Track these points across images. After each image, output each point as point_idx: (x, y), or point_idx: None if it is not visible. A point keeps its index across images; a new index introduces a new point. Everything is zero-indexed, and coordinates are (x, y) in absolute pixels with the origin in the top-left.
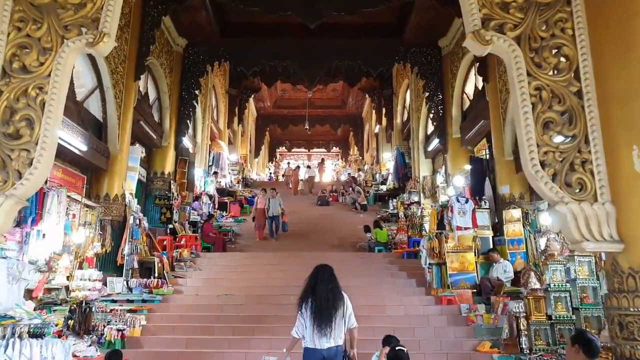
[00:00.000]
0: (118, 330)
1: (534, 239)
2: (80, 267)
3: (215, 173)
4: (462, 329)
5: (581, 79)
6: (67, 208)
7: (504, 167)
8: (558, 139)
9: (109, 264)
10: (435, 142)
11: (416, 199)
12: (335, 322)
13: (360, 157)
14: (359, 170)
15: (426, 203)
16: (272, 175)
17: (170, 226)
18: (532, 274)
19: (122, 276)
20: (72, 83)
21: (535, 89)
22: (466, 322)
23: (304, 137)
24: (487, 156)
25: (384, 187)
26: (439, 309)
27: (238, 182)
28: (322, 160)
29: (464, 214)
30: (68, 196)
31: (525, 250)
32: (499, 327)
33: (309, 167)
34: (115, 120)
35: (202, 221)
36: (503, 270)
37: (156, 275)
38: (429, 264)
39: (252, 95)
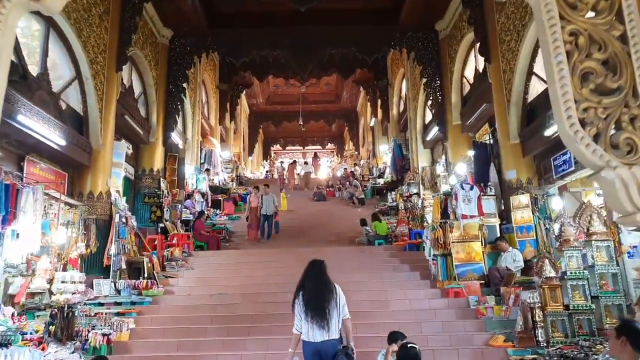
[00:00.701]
0: (103, 334)
1: (544, 225)
2: (65, 270)
3: (208, 170)
4: (471, 322)
5: (625, 21)
6: (46, 206)
7: (510, 151)
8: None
9: (95, 265)
10: (434, 131)
11: (415, 190)
12: (328, 315)
13: (356, 152)
14: (355, 165)
15: (427, 193)
16: (268, 173)
17: (162, 225)
18: (547, 261)
19: (109, 278)
20: (46, 73)
21: (570, 35)
22: (475, 315)
23: (298, 134)
24: (491, 141)
25: (381, 181)
26: (446, 302)
27: (232, 180)
28: (316, 154)
29: (469, 202)
30: (47, 194)
31: (535, 237)
32: (511, 319)
33: (305, 163)
34: (96, 113)
35: (194, 219)
36: (512, 260)
37: (146, 275)
38: (434, 255)
39: (244, 91)
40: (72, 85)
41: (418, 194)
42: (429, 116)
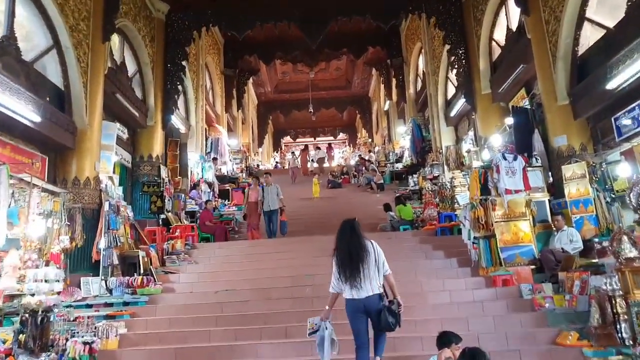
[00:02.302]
0: (85, 343)
1: (604, 198)
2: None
3: (215, 159)
4: (529, 316)
5: None
6: (15, 193)
7: (558, 114)
8: None
9: (82, 261)
10: (459, 104)
11: (439, 172)
12: (365, 272)
13: (370, 140)
14: (370, 151)
15: (457, 172)
16: (279, 164)
17: (163, 216)
18: (625, 238)
19: (99, 275)
20: (13, 36)
21: None
22: (532, 307)
23: (308, 125)
24: (532, 106)
25: (399, 165)
26: (493, 292)
27: (241, 171)
28: (330, 145)
29: (512, 174)
30: (21, 179)
31: (594, 212)
32: (579, 311)
33: (318, 148)
34: (80, 88)
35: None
36: (569, 240)
37: (141, 271)
38: (474, 238)
39: (251, 79)
40: (50, 55)
41: (438, 177)
42: (451, 91)
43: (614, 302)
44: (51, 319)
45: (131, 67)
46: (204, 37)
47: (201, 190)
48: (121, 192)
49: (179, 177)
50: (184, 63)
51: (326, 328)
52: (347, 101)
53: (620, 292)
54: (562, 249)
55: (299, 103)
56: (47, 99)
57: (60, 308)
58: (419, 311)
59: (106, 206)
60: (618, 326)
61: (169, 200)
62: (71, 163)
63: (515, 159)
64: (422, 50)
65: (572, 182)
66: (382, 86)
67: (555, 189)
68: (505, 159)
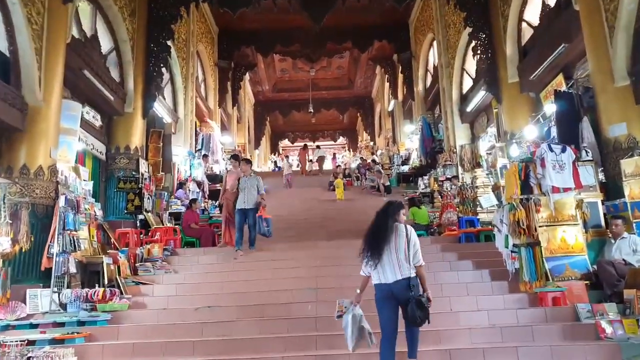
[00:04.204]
0: None
1: None
2: None
3: (205, 156)
4: (595, 348)
5: None
6: None
7: (615, 98)
8: None
9: (29, 269)
10: (477, 98)
11: (450, 174)
12: (392, 256)
13: (372, 143)
14: (373, 154)
15: (479, 172)
16: (276, 167)
17: (142, 217)
18: None
19: (51, 286)
20: None
21: None
22: (595, 333)
23: (307, 127)
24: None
25: (405, 168)
26: (542, 313)
27: None
28: (334, 155)
29: (560, 169)
30: None
31: None
32: None
33: (318, 147)
34: (31, 55)
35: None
36: (631, 249)
37: (106, 282)
38: (513, 245)
39: (248, 75)
40: None
41: (457, 177)
42: (467, 84)
43: None
44: None
45: (106, 44)
46: (195, 22)
47: (189, 190)
48: (91, 188)
49: (161, 173)
50: (169, 43)
51: (353, 312)
52: (348, 102)
53: None
54: (623, 260)
55: (299, 103)
56: None
57: None
58: (450, 336)
59: (61, 201)
60: None
61: (148, 198)
62: (19, 148)
63: (563, 150)
64: (435, 42)
65: (633, 180)
66: (386, 85)
67: (609, 187)
68: (552, 150)
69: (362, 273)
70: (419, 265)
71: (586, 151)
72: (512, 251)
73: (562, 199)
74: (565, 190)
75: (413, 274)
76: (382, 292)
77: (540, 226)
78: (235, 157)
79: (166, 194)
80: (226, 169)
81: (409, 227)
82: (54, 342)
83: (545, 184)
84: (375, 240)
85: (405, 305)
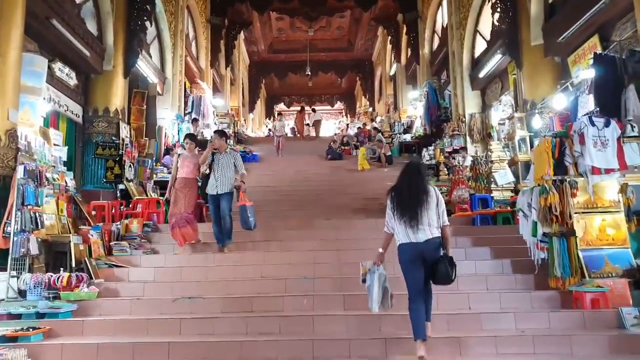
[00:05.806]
0: None
1: None
2: None
3: (195, 120)
4: None
5: None
6: None
7: None
8: None
9: None
10: (492, 63)
11: (458, 144)
12: (424, 214)
13: (371, 109)
14: (372, 120)
15: (495, 144)
16: (271, 132)
17: (122, 187)
18: None
19: (7, 270)
20: None
21: None
22: None
23: (304, 91)
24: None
25: (407, 137)
26: (579, 317)
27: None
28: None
29: (603, 147)
30: None
31: None
32: None
33: (314, 110)
34: None
35: None
36: None
37: (73, 265)
38: (543, 234)
39: (243, 34)
40: None
41: (465, 148)
42: (480, 47)
43: None
44: None
45: None
46: None
47: None
48: (64, 154)
49: (145, 139)
50: None
51: (378, 272)
52: (347, 65)
53: None
54: None
55: (295, 65)
56: None
57: None
58: (472, 345)
59: (20, 172)
60: None
61: (130, 166)
62: None
63: (607, 124)
64: (444, 0)
65: None
66: (389, 48)
67: None
68: (593, 124)
69: (385, 230)
70: (446, 225)
71: (632, 126)
72: (541, 241)
73: (602, 182)
74: (607, 171)
75: (438, 232)
76: (411, 252)
77: (576, 213)
78: (191, 137)
79: (150, 161)
80: (177, 153)
81: (435, 187)
82: (5, 339)
83: (583, 164)
84: (409, 198)
85: (435, 264)
